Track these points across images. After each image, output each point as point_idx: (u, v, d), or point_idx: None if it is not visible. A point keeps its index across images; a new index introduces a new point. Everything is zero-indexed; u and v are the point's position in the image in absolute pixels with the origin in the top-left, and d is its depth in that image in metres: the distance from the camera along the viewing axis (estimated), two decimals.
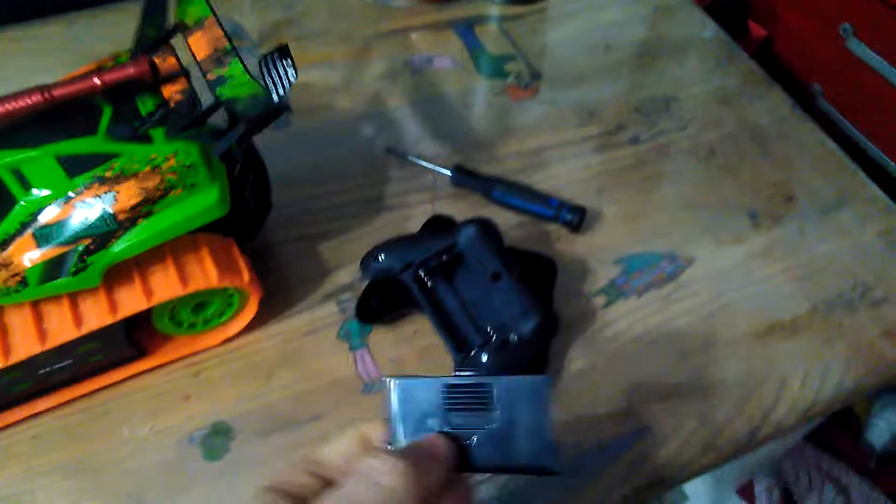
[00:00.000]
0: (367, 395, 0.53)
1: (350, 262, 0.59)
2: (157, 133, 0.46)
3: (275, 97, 0.44)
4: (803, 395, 0.54)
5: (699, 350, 0.56)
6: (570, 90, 0.73)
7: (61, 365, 0.49)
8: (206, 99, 0.47)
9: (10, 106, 0.44)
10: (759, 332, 0.57)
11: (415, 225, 0.62)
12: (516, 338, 0.50)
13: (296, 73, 0.44)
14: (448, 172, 0.64)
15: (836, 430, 1.29)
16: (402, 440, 0.35)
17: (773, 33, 1.03)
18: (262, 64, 0.45)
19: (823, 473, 1.21)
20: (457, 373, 0.36)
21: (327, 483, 0.33)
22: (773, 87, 0.75)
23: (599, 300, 0.58)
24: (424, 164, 0.65)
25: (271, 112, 0.44)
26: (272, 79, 0.44)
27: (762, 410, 0.54)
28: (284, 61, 0.45)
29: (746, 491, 1.23)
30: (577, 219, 0.60)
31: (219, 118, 0.46)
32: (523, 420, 0.34)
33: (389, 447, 0.35)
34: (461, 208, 0.63)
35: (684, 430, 0.52)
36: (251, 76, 0.46)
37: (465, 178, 0.63)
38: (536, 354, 0.53)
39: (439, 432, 0.35)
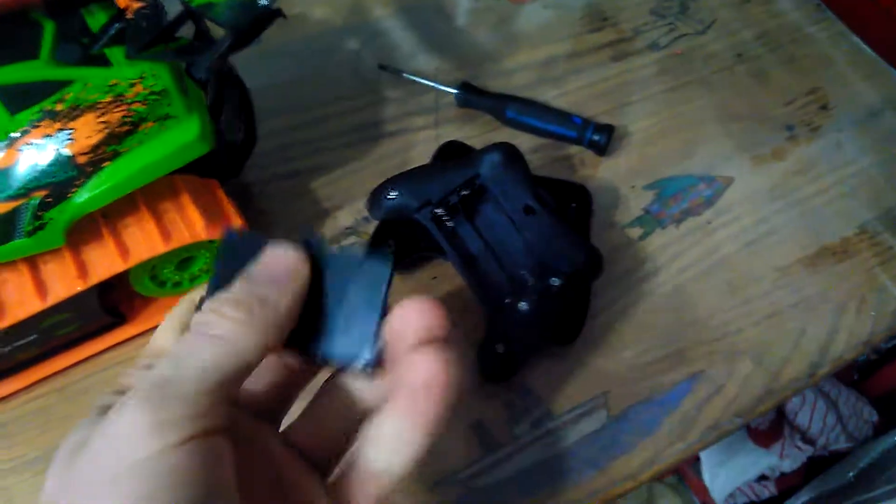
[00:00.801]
0: None
1: (349, 199, 0.51)
2: (116, 53, 0.37)
3: (261, 0, 0.35)
4: (861, 324, 0.50)
5: (747, 281, 0.50)
6: None
7: (24, 342, 0.41)
8: (172, 8, 0.38)
9: None
10: (809, 258, 0.52)
11: (419, 153, 0.54)
12: (558, 281, 0.43)
13: None
14: (453, 91, 0.55)
15: None
16: None
17: None
18: None
19: (814, 389, 1.21)
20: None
21: None
22: None
23: (634, 231, 0.52)
24: (425, 81, 0.56)
25: (261, 19, 0.35)
26: None
27: (819, 344, 0.49)
28: None
29: None
30: (605, 139, 0.53)
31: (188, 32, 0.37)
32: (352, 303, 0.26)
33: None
34: (469, 132, 0.55)
35: (739, 373, 0.47)
36: None
37: (473, 96, 0.55)
38: (578, 298, 0.47)
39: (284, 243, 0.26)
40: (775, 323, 0.49)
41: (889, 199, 0.55)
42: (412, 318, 0.25)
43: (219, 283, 0.26)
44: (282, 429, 0.29)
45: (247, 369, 0.24)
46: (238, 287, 0.25)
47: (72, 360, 0.44)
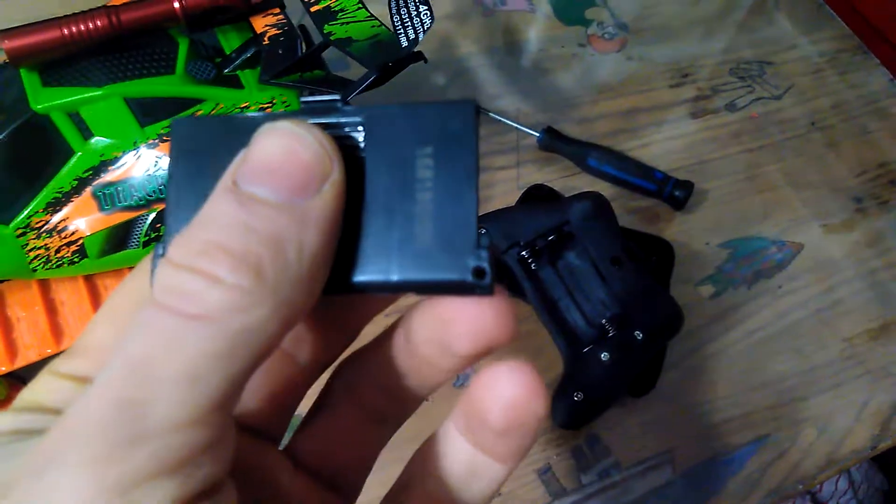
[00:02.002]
0: (460, 388, 0.46)
1: None
2: (248, 76, 0.38)
3: (403, 41, 0.36)
4: None
5: (814, 349, 0.51)
6: (657, 45, 0.65)
7: None
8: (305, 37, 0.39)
9: (68, 31, 0.35)
10: (874, 330, 0.53)
11: (499, 192, 0.55)
12: (641, 335, 0.44)
13: (432, 15, 0.36)
14: (536, 134, 0.56)
15: None
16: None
17: None
18: (392, 0, 0.36)
19: None
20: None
21: None
22: (867, 57, 0.69)
23: (707, 289, 0.52)
24: (510, 122, 0.57)
25: (403, 60, 0.36)
26: (401, 19, 0.36)
27: (882, 418, 0.49)
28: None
29: None
30: (684, 196, 0.54)
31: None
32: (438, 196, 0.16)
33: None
34: (549, 175, 0.56)
35: (803, 440, 0.48)
36: (370, 13, 0.38)
37: (556, 141, 0.56)
38: (656, 352, 0.47)
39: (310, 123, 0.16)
40: (840, 393, 0.50)
41: None
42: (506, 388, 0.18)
43: (184, 211, 0.16)
44: (282, 446, 0.20)
45: (253, 368, 0.14)
46: (228, 217, 0.14)
47: None
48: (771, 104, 0.63)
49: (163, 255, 0.15)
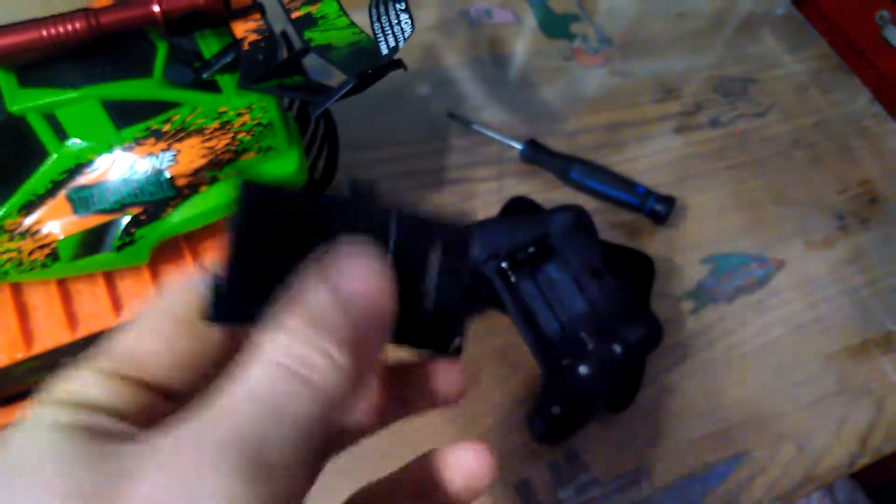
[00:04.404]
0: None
1: None
2: (227, 81, 0.38)
3: (384, 49, 0.36)
4: None
5: (794, 365, 0.51)
6: (642, 60, 0.66)
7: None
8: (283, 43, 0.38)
9: (46, 32, 0.35)
10: (854, 348, 0.53)
11: (480, 204, 0.54)
12: (620, 349, 0.44)
13: (412, 23, 0.36)
14: (519, 146, 0.56)
15: None
16: None
17: (808, 18, 0.97)
18: (372, 7, 0.36)
19: None
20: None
21: (161, 392, 0.19)
22: (849, 77, 0.70)
23: (687, 305, 0.52)
24: (493, 134, 0.57)
25: (383, 67, 0.35)
26: (381, 27, 0.36)
27: (860, 435, 0.49)
28: (398, 6, 0.36)
29: None
30: (666, 211, 0.54)
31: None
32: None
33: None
34: (531, 188, 0.56)
35: (782, 457, 0.47)
36: (350, 21, 0.38)
37: (539, 154, 0.56)
38: (635, 366, 0.47)
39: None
40: (819, 410, 0.50)
41: None
42: (466, 464, 0.24)
43: (248, 270, 0.19)
44: None
45: (332, 429, 0.18)
46: (334, 311, 0.18)
47: None
48: (754, 121, 0.64)
49: (225, 290, 0.19)
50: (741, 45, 0.69)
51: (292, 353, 0.18)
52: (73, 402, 0.18)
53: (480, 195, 0.55)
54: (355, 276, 0.19)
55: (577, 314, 0.46)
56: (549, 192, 0.56)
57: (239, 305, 0.19)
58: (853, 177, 0.62)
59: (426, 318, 0.22)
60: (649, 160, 0.59)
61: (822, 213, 0.59)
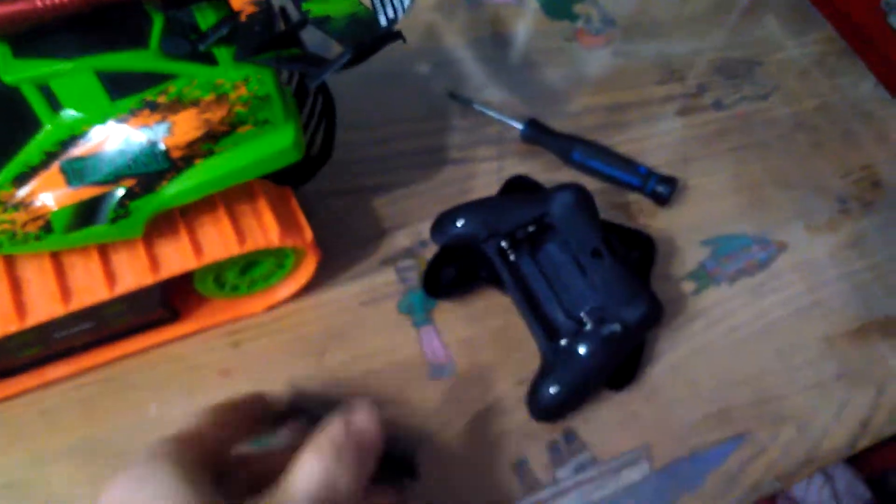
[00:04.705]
0: (436, 380, 0.46)
1: (408, 223, 0.51)
2: (223, 53, 0.37)
3: (382, 20, 0.35)
4: None
5: (794, 348, 0.51)
6: (646, 42, 0.65)
7: (81, 328, 0.40)
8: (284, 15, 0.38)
9: (39, 3, 0.34)
10: (855, 331, 0.52)
11: (480, 184, 0.54)
12: (620, 327, 0.43)
13: None
14: (520, 126, 0.56)
15: None
16: None
17: (813, 2, 0.96)
18: None
19: None
20: None
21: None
22: (854, 60, 0.69)
23: (688, 285, 0.52)
24: (493, 114, 0.56)
25: (381, 38, 0.35)
26: None
27: (861, 418, 0.49)
28: None
29: None
30: (668, 191, 0.53)
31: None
32: None
33: None
34: (532, 168, 0.55)
35: (782, 438, 0.47)
36: None
37: (540, 134, 0.55)
38: (635, 346, 0.47)
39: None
40: (819, 392, 0.49)
41: None
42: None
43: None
44: None
45: None
46: (347, 439, 0.31)
47: (119, 353, 0.43)
48: (757, 103, 0.63)
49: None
50: (745, 29, 0.69)
51: (320, 468, 0.29)
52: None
53: (481, 175, 0.54)
54: (361, 418, 0.32)
55: (577, 293, 0.45)
56: (550, 173, 0.55)
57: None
58: (856, 161, 0.62)
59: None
60: (652, 141, 0.58)
61: (824, 196, 0.59)
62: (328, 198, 0.51)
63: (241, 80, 0.36)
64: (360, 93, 0.57)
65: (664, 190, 0.53)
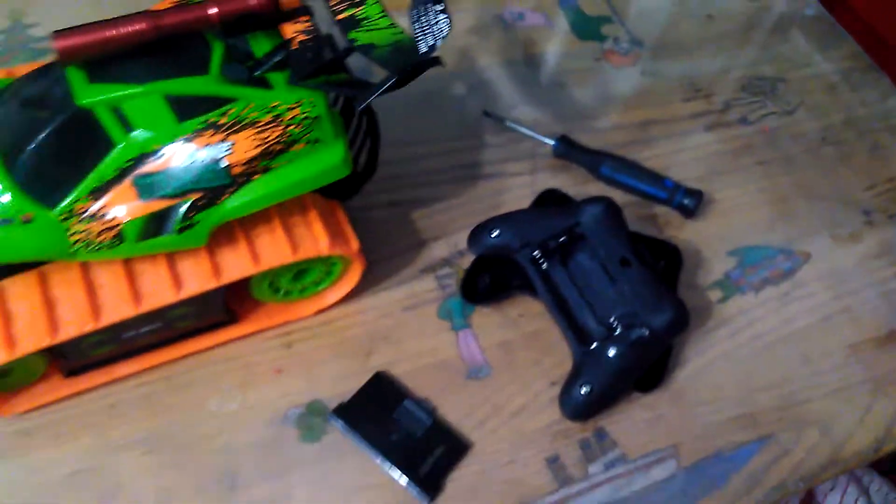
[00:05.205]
0: (473, 381, 0.48)
1: (445, 234, 0.54)
2: (277, 78, 0.41)
3: (423, 48, 0.39)
4: None
5: (819, 354, 0.52)
6: (672, 61, 0.67)
7: (148, 329, 0.44)
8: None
9: (112, 33, 0.38)
10: (880, 339, 0.54)
11: (513, 197, 0.57)
12: (647, 332, 0.46)
13: (450, 22, 0.38)
14: (551, 142, 0.59)
15: None
16: None
17: (838, 18, 0.98)
18: (412, 9, 0.39)
19: (848, 472, 1.20)
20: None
21: None
22: (880, 76, 0.71)
23: (714, 294, 0.54)
24: (526, 131, 0.59)
25: (421, 64, 0.38)
26: (421, 26, 0.39)
27: (885, 422, 0.50)
28: (436, 7, 0.39)
29: None
30: (694, 204, 0.56)
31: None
32: None
33: None
34: (563, 182, 0.58)
35: (806, 441, 0.49)
36: (392, 21, 0.40)
37: (571, 149, 0.58)
38: (663, 350, 0.49)
39: None
40: (844, 397, 0.51)
41: None
42: None
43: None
44: None
45: None
46: None
47: (182, 352, 0.47)
48: (783, 119, 0.65)
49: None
50: (770, 46, 0.71)
51: None
52: None
53: (514, 189, 0.57)
54: None
55: (607, 300, 0.48)
56: (580, 187, 0.58)
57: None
58: (882, 174, 0.63)
59: None
60: (679, 157, 0.61)
61: (849, 208, 0.60)
62: (372, 210, 0.54)
63: (294, 103, 0.40)
64: (400, 113, 0.60)
65: (690, 203, 0.56)
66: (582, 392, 0.45)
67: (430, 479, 0.44)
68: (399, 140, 0.58)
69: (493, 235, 0.49)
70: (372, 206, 0.55)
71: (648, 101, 0.64)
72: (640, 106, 0.64)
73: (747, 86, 0.67)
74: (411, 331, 0.50)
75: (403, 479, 0.44)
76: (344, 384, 0.47)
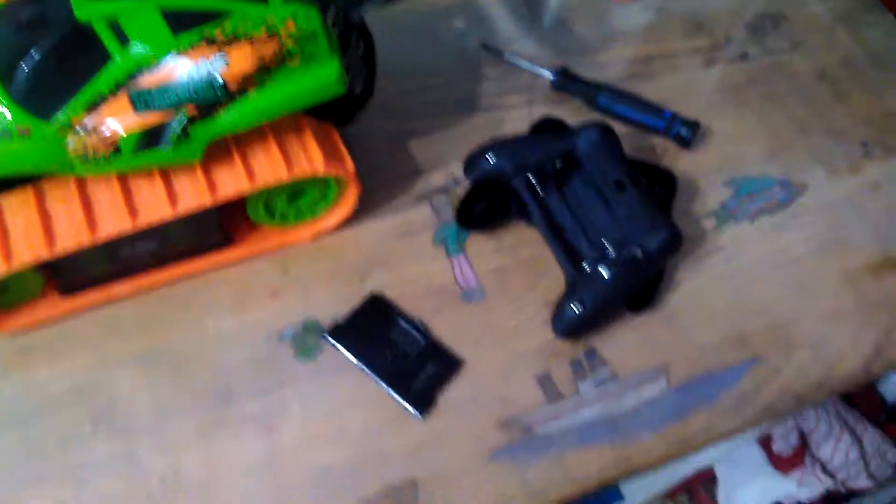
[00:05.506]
0: (467, 304, 0.49)
1: (442, 163, 0.55)
2: None
3: None
4: None
5: (813, 280, 0.53)
6: None
7: (144, 247, 0.45)
8: None
9: None
10: (874, 266, 0.54)
11: (511, 129, 0.57)
12: (641, 253, 0.46)
13: None
14: (549, 75, 0.59)
15: None
16: None
17: None
18: None
19: (841, 422, 1.21)
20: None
21: None
22: (884, 13, 0.70)
23: (709, 222, 0.54)
24: (524, 64, 0.59)
25: None
26: None
27: (875, 345, 0.51)
28: None
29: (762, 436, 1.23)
30: (691, 134, 0.56)
31: None
32: None
33: None
34: (561, 114, 0.58)
35: (797, 361, 0.49)
36: None
37: (568, 81, 0.58)
38: (655, 270, 0.49)
39: None
40: (835, 321, 0.51)
41: None
42: None
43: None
44: None
45: None
46: None
47: (179, 273, 0.48)
48: (784, 56, 0.65)
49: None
50: None
51: None
52: None
53: (511, 121, 0.58)
54: None
55: (601, 224, 0.48)
56: (577, 118, 0.57)
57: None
58: (880, 109, 0.63)
59: None
60: (678, 91, 0.61)
61: (846, 142, 0.60)
62: (369, 140, 0.55)
63: (289, 17, 0.40)
64: (400, 46, 0.60)
65: (687, 133, 0.56)
66: (574, 310, 0.46)
67: (422, 395, 0.45)
68: (399, 72, 0.58)
69: (488, 160, 0.49)
70: (370, 135, 0.55)
71: (650, 38, 0.64)
72: (640, 42, 0.64)
73: (748, 23, 0.66)
74: (406, 256, 0.51)
75: (396, 395, 0.45)
76: (339, 306, 0.48)
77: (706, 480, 1.31)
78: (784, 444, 1.21)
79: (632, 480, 1.11)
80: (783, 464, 1.22)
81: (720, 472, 1.27)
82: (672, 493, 1.40)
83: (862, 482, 1.19)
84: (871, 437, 1.21)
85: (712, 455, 1.05)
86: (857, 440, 1.21)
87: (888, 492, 1.21)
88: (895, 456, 1.21)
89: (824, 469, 1.21)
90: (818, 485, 1.20)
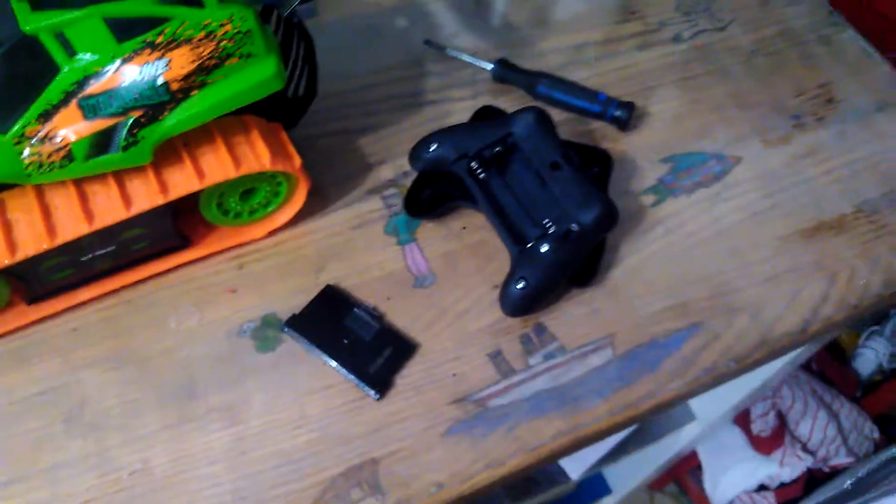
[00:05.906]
0: (419, 290, 0.51)
1: (391, 157, 0.57)
2: None
3: None
4: (851, 290, 0.54)
5: (749, 248, 0.55)
6: None
7: (104, 252, 0.47)
8: None
9: None
10: (808, 230, 0.57)
11: (456, 121, 0.59)
12: (577, 227, 0.49)
13: None
14: (489, 66, 0.61)
15: (826, 360, 1.33)
16: None
17: None
18: None
19: (818, 399, 1.24)
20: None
21: None
22: None
23: (648, 198, 0.57)
24: (465, 57, 0.62)
25: None
26: None
27: (812, 305, 0.53)
28: None
29: (740, 416, 1.25)
30: (626, 115, 0.58)
31: None
32: None
33: None
34: (503, 104, 0.60)
35: (736, 326, 0.52)
36: None
37: (508, 72, 0.61)
38: (593, 247, 0.52)
39: None
40: (772, 285, 0.54)
41: (886, 185, 0.60)
42: None
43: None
44: None
45: None
46: None
47: (139, 276, 0.49)
48: (716, 35, 0.68)
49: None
50: None
51: None
52: None
53: (456, 113, 0.60)
54: None
55: (541, 204, 0.50)
56: (520, 107, 0.60)
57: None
58: (812, 81, 0.66)
59: None
60: (614, 75, 0.63)
61: (779, 114, 0.63)
62: (318, 140, 0.57)
63: (226, 19, 0.42)
64: (344, 46, 0.63)
65: (623, 114, 0.58)
66: (518, 287, 0.48)
67: (379, 378, 0.47)
68: (345, 72, 0.61)
69: (430, 149, 0.52)
70: (320, 135, 0.57)
71: (585, 25, 0.67)
72: (577, 30, 0.66)
73: (680, 5, 0.69)
74: (359, 247, 0.53)
75: (354, 378, 0.47)
76: (296, 299, 0.50)
77: (694, 469, 1.33)
78: (763, 423, 1.24)
79: (614, 468, 1.14)
80: (764, 445, 1.25)
81: (704, 459, 1.30)
82: (659, 483, 1.42)
83: (842, 458, 1.22)
84: (848, 412, 1.25)
85: (692, 434, 1.07)
86: (834, 416, 1.24)
87: (867, 467, 1.23)
88: (872, 430, 1.24)
89: (804, 447, 1.24)
90: (799, 464, 1.23)
